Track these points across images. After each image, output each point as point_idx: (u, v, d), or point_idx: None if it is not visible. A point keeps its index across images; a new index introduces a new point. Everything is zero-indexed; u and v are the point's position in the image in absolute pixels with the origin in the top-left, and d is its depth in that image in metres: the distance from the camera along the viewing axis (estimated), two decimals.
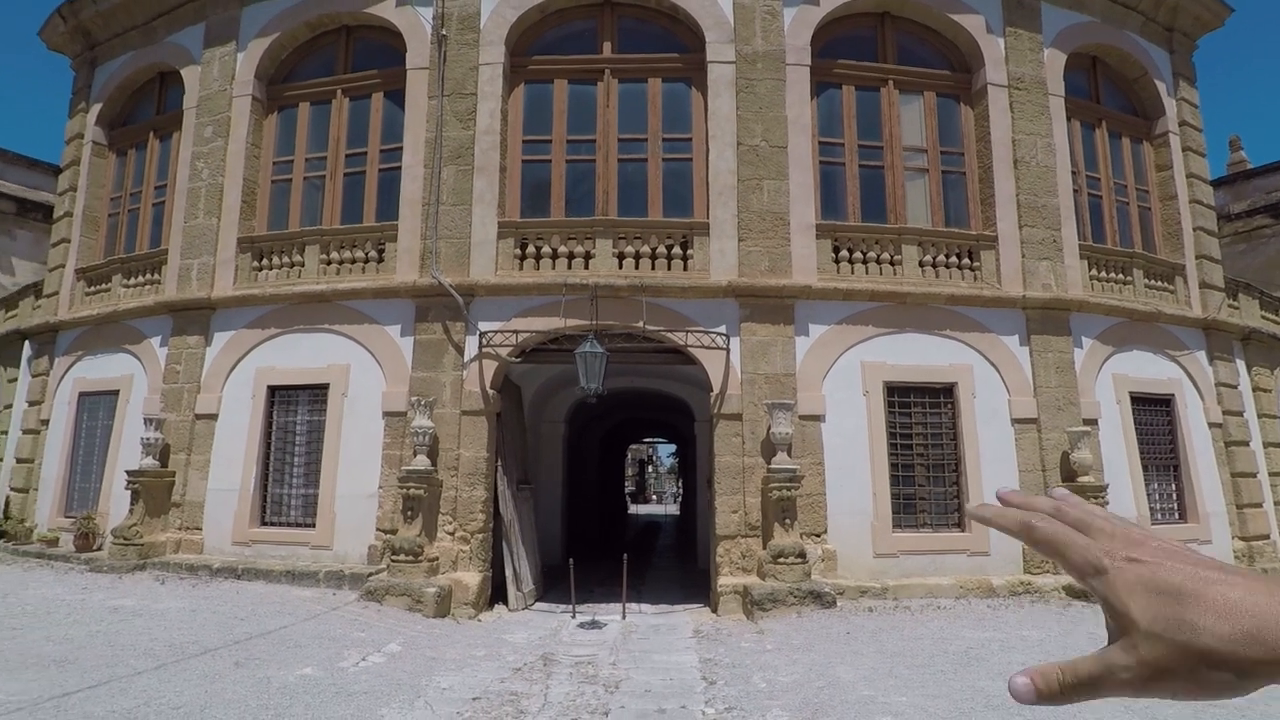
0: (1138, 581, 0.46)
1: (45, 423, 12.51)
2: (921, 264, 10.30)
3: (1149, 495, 10.56)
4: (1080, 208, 11.17)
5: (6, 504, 12.77)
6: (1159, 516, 10.63)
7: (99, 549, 10.57)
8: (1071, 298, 10.37)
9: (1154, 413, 10.95)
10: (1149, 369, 10.96)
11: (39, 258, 20.64)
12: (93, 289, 12.76)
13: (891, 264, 10.26)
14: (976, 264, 10.48)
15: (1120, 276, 11.26)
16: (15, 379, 13.91)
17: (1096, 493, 9.41)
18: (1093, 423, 10.16)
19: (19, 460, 12.76)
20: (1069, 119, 11.26)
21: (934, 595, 8.82)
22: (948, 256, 10.44)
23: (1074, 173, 11.12)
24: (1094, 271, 11.01)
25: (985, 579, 9.09)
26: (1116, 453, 10.33)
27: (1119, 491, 10.06)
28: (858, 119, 10.73)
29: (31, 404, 12.88)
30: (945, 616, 8.12)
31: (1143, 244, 11.84)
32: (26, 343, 13.52)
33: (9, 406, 13.93)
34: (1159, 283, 11.62)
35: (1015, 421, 9.91)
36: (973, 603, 8.69)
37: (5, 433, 13.59)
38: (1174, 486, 10.92)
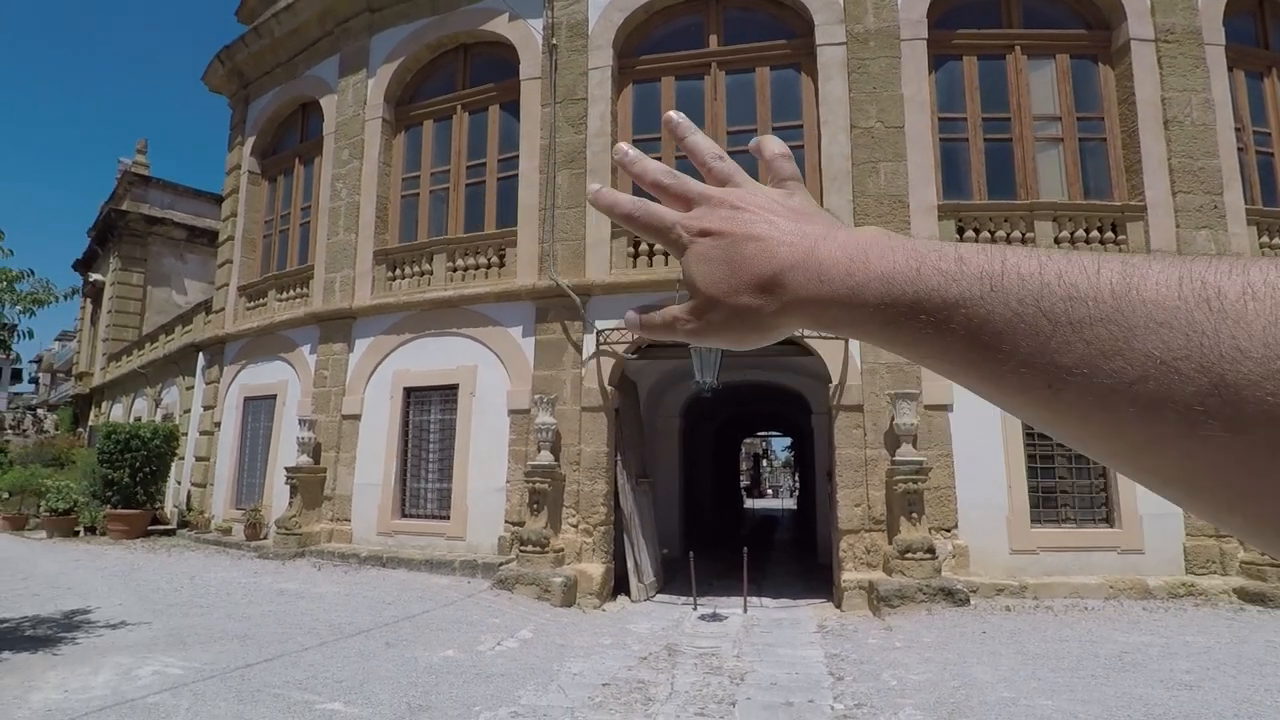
0: (700, 255, 0.52)
1: (218, 425, 14.02)
2: (1058, 240, 9.60)
3: None
4: (1247, 168, 10.01)
5: (189, 498, 14.45)
6: None
7: (265, 538, 11.75)
8: None
9: None
10: None
11: (206, 278, 23.14)
12: (252, 304, 14.15)
13: (1024, 241, 9.62)
14: (1122, 237, 9.63)
15: None
16: (192, 386, 15.68)
17: None
18: None
19: (197, 459, 14.39)
20: (1230, 69, 10.10)
21: (1079, 595, 8.22)
22: (1088, 230, 9.67)
23: (1238, 129, 9.97)
24: (1265, 238, 9.84)
25: (1139, 579, 8.37)
26: None
27: None
28: (981, 90, 10.13)
29: (206, 408, 14.49)
30: (1093, 618, 7.55)
31: None
32: (200, 354, 15.21)
33: (188, 411, 15.72)
34: None
35: None
36: (1125, 604, 8.02)
37: (186, 434, 15.34)
38: None
